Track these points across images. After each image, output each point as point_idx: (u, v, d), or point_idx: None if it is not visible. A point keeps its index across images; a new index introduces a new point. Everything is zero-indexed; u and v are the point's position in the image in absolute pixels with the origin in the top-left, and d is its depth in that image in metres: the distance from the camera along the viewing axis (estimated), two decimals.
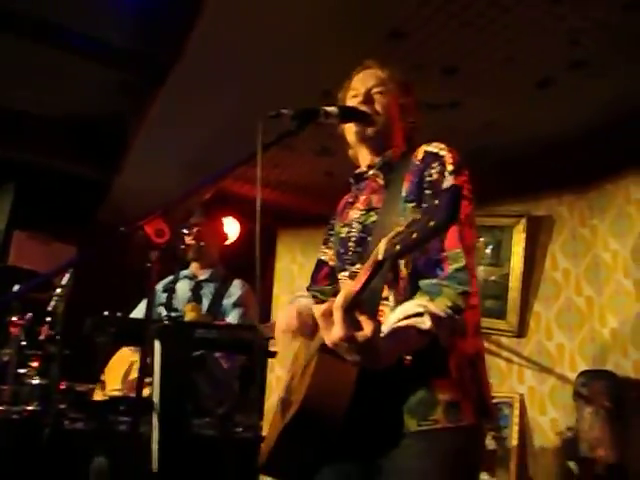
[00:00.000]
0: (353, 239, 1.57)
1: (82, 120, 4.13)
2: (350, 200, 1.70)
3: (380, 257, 1.13)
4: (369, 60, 1.69)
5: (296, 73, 2.85)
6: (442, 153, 1.47)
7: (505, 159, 3.42)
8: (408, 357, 1.35)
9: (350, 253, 1.56)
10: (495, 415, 1.50)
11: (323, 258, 1.80)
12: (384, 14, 2.42)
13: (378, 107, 1.60)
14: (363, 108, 1.59)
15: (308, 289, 1.80)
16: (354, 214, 1.61)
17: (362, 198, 1.62)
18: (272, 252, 4.73)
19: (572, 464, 3.22)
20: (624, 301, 3.27)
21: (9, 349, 2.62)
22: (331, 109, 1.55)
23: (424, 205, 1.39)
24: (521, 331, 3.62)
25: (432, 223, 1.06)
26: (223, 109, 3.21)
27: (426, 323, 1.26)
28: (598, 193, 3.51)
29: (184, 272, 3.08)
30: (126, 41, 3.13)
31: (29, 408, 2.42)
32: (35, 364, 2.61)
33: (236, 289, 3.00)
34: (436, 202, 1.08)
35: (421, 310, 1.28)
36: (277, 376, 4.41)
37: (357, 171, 1.68)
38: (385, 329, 1.28)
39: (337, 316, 1.15)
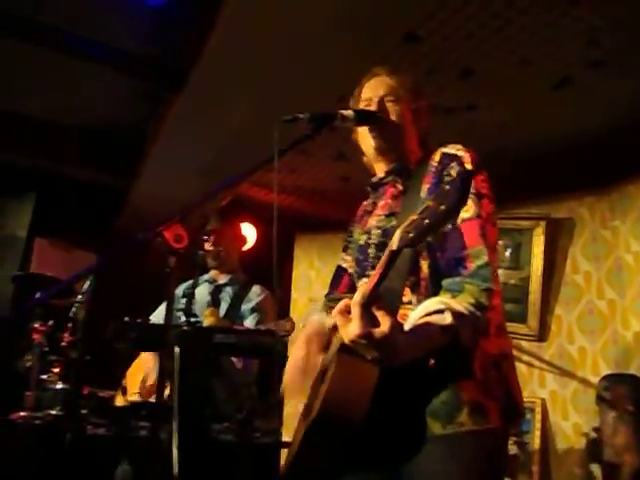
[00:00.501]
0: (373, 245, 1.55)
1: (100, 127, 4.18)
2: (368, 208, 1.69)
3: (395, 247, 1.14)
4: (378, 67, 1.69)
5: (312, 78, 2.86)
6: (460, 154, 1.47)
7: (523, 161, 3.39)
8: (432, 361, 1.33)
9: (370, 259, 1.55)
10: (524, 415, 1.47)
11: (343, 265, 1.78)
12: (400, 17, 2.42)
13: (392, 113, 1.59)
14: (378, 114, 1.59)
15: (327, 296, 1.79)
16: (373, 221, 1.60)
17: (381, 204, 1.61)
18: (289, 257, 4.73)
19: (596, 468, 3.18)
20: None
21: (32, 355, 2.65)
22: (347, 113, 1.55)
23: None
24: (542, 335, 3.59)
25: (443, 207, 1.07)
26: (240, 114, 3.22)
27: (447, 319, 1.24)
28: (619, 194, 3.46)
29: (204, 277, 3.10)
30: (143, 47, 3.16)
31: (52, 413, 2.44)
32: (57, 370, 2.64)
33: (255, 295, 3.01)
34: (447, 187, 1.09)
35: (442, 307, 1.27)
36: None
37: (374, 179, 1.67)
38: (406, 327, 1.27)
39: (355, 312, 1.15)
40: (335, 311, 1.20)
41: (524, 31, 2.44)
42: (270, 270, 1.43)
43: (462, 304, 1.27)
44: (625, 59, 2.59)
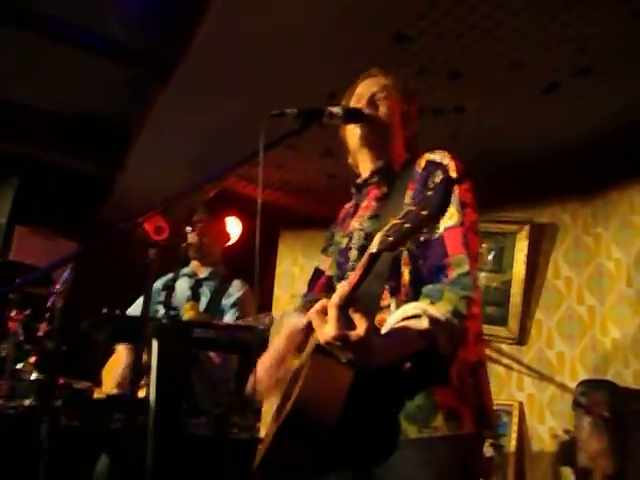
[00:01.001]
0: (354, 248, 1.54)
1: (86, 116, 4.13)
2: (351, 211, 1.68)
3: (374, 250, 1.13)
4: (373, 68, 1.69)
5: (301, 75, 2.85)
6: (445, 162, 1.47)
7: (509, 165, 3.41)
8: (407, 364, 1.32)
9: (351, 262, 1.54)
10: (495, 424, 1.48)
11: (321, 267, 1.78)
12: (391, 16, 2.41)
13: (381, 111, 1.59)
14: (367, 111, 1.58)
15: (305, 296, 1.78)
16: (355, 223, 1.59)
17: (364, 205, 1.60)
18: (274, 253, 4.72)
19: (569, 472, 3.21)
20: (626, 311, 3.25)
21: (7, 344, 2.61)
22: (336, 110, 1.54)
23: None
24: (522, 338, 3.61)
25: (424, 212, 1.08)
26: (228, 108, 3.20)
27: (423, 324, 1.25)
28: (602, 201, 3.49)
29: (184, 270, 3.07)
30: (132, 37, 3.12)
31: (25, 403, 2.41)
32: (32, 359, 2.60)
33: (235, 290, 2.98)
34: (429, 193, 1.10)
35: (419, 312, 1.27)
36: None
37: (358, 180, 1.66)
38: (383, 330, 1.27)
39: (331, 314, 1.15)
40: (312, 312, 1.20)
41: (514, 34, 2.45)
42: (253, 265, 1.41)
43: (440, 311, 1.27)
44: (611, 67, 2.61)
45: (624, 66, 2.58)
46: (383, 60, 2.61)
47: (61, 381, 2.54)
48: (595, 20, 2.35)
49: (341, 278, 1.58)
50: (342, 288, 1.17)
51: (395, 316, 1.30)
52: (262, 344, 2.43)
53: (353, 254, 1.54)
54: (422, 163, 1.51)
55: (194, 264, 3.09)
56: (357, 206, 1.64)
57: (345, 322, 1.14)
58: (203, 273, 3.05)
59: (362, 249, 1.50)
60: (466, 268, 1.33)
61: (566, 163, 3.32)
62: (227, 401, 2.51)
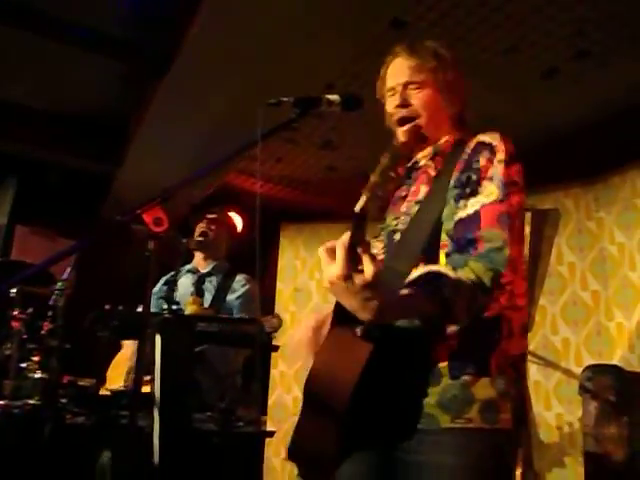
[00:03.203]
0: (399, 232, 1.49)
1: (84, 113, 4.10)
2: (402, 194, 1.60)
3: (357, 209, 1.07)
4: (399, 46, 1.59)
5: (298, 65, 2.83)
6: (495, 143, 1.39)
7: None
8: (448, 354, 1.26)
9: (397, 239, 1.49)
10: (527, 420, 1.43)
11: (373, 252, 1.69)
12: (387, 3, 2.39)
13: (417, 106, 1.51)
14: (404, 112, 1.51)
15: None
16: (404, 207, 1.53)
17: (412, 190, 1.53)
18: (275, 247, 4.70)
19: (578, 458, 3.20)
20: (630, 295, 3.24)
21: (10, 343, 2.60)
22: (333, 97, 1.50)
23: (467, 190, 1.34)
24: None
25: None
26: (225, 100, 3.18)
27: (441, 284, 1.17)
28: (604, 185, 3.47)
29: (187, 267, 3.05)
30: (126, 32, 3.10)
31: (30, 402, 2.40)
32: (36, 358, 2.59)
33: (239, 284, 2.97)
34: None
35: (435, 271, 1.20)
36: (281, 371, 4.39)
37: (409, 164, 1.59)
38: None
39: (339, 253, 1.07)
40: (321, 249, 1.11)
41: (511, 19, 2.43)
42: (254, 259, 1.40)
43: (458, 274, 1.19)
44: (611, 50, 2.58)
45: (624, 48, 2.55)
46: (379, 48, 2.58)
47: (66, 379, 2.53)
48: (593, 2, 2.32)
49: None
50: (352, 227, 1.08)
51: (410, 277, 1.22)
52: (266, 339, 2.43)
53: (397, 237, 1.49)
54: (472, 144, 1.43)
55: (197, 259, 3.07)
56: (408, 190, 1.57)
57: (353, 264, 1.06)
58: (206, 268, 3.03)
59: (404, 233, 1.45)
60: (499, 244, 1.23)
61: (567, 148, 3.30)
62: (232, 395, 2.50)
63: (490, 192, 1.31)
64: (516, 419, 1.30)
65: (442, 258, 1.33)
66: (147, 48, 3.15)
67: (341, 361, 1.17)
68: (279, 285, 4.65)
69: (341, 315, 1.19)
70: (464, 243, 1.27)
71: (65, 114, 4.14)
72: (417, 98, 1.52)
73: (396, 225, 1.52)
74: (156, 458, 1.98)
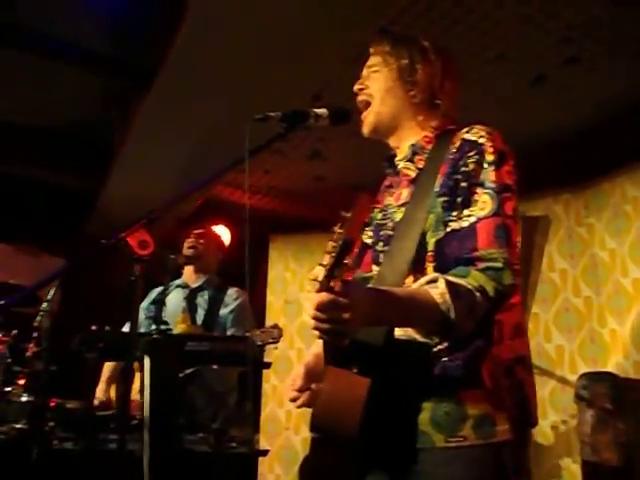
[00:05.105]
0: (383, 238, 1.44)
1: (67, 129, 4.05)
2: (387, 184, 1.54)
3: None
4: (380, 31, 1.56)
5: (284, 76, 2.80)
6: (481, 141, 1.31)
7: None
8: (436, 369, 1.23)
9: (379, 246, 1.45)
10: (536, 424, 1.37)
11: (367, 241, 1.58)
12: (374, 12, 2.37)
13: (372, 89, 1.45)
14: (361, 97, 1.47)
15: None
16: (390, 202, 1.47)
17: (397, 193, 1.46)
18: (265, 259, 4.66)
19: (575, 466, 3.18)
20: (623, 301, 3.23)
21: None
22: (321, 111, 1.47)
23: (458, 199, 1.27)
24: None
25: None
26: (211, 114, 3.15)
27: (439, 287, 1.15)
28: (594, 191, 3.47)
29: (176, 282, 3.01)
30: (109, 47, 3.06)
31: (17, 427, 2.33)
32: (22, 382, 2.52)
33: (231, 298, 2.94)
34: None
35: (436, 276, 1.17)
36: (273, 385, 4.34)
37: (389, 155, 1.51)
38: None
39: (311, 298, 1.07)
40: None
41: (499, 26, 2.41)
42: (244, 272, 1.36)
43: (461, 281, 1.16)
44: (599, 56, 2.58)
45: (613, 54, 2.55)
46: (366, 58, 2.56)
47: (53, 402, 2.47)
48: (580, 9, 2.32)
49: (377, 251, 1.48)
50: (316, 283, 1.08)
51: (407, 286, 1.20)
52: (258, 356, 2.38)
53: (381, 244, 1.44)
54: (457, 142, 1.35)
55: (187, 274, 3.03)
56: (392, 183, 1.51)
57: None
58: (197, 282, 3.00)
59: (388, 240, 1.40)
60: (499, 264, 1.18)
61: (556, 155, 3.29)
62: (224, 414, 2.45)
63: (484, 203, 1.25)
64: (519, 425, 1.25)
65: (429, 270, 1.28)
66: (130, 63, 3.11)
67: (342, 400, 1.17)
68: (269, 297, 4.60)
69: (331, 350, 1.20)
70: (463, 263, 1.22)
71: (48, 130, 4.08)
72: (372, 79, 1.47)
73: (383, 219, 1.46)
74: None
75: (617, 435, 2.95)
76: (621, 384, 3.05)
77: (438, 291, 1.15)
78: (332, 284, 1.05)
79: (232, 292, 2.96)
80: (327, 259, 1.07)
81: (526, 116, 3.07)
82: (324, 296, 1.05)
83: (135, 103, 3.31)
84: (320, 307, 1.05)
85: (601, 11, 2.34)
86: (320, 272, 1.07)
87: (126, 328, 2.82)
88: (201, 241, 3.02)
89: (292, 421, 4.20)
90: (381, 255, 1.43)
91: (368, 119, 1.47)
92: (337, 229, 1.11)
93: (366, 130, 1.49)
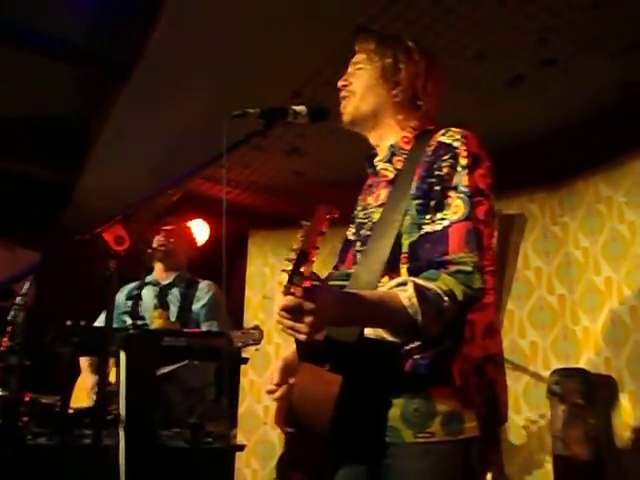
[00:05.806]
0: (362, 237, 1.47)
1: (42, 120, 3.98)
2: (369, 183, 1.56)
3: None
4: (359, 29, 1.56)
5: (264, 71, 2.79)
6: (456, 144, 1.33)
7: None
8: (406, 367, 1.25)
9: (358, 246, 1.48)
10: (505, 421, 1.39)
11: (351, 238, 1.61)
12: (353, 9, 2.37)
13: (355, 85, 1.47)
14: (343, 92, 1.49)
15: (335, 268, 1.63)
16: (370, 201, 1.49)
17: (376, 193, 1.48)
18: (244, 254, 4.65)
19: (546, 461, 3.23)
20: (596, 299, 3.29)
21: None
22: (300, 108, 1.47)
23: (432, 203, 1.30)
24: None
25: None
26: (189, 107, 3.13)
27: (408, 291, 1.16)
28: (568, 191, 3.53)
29: (148, 278, 2.99)
30: (86, 39, 3.02)
31: None
32: None
33: (203, 292, 2.94)
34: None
35: (405, 280, 1.19)
36: (251, 380, 4.34)
37: (369, 154, 1.53)
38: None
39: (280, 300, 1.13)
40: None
41: (478, 27, 2.43)
42: (222, 267, 1.36)
43: (430, 284, 1.18)
44: (576, 58, 2.62)
45: (588, 56, 2.59)
46: (345, 55, 2.57)
47: (27, 397, 2.44)
48: (558, 12, 2.35)
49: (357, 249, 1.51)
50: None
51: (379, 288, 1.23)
52: (235, 352, 2.38)
53: (359, 244, 1.48)
54: (433, 144, 1.36)
55: (157, 271, 3.02)
56: (372, 183, 1.53)
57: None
58: (167, 279, 2.99)
59: (366, 239, 1.43)
60: (469, 268, 1.21)
61: (532, 154, 3.33)
62: (202, 409, 2.45)
63: (457, 207, 1.28)
64: (488, 423, 1.28)
65: (403, 272, 1.31)
66: (107, 55, 3.07)
67: (314, 396, 1.21)
68: (248, 293, 4.59)
69: (304, 348, 1.25)
70: (435, 266, 1.24)
71: (24, 122, 4.01)
72: (356, 76, 1.49)
73: (364, 218, 1.49)
74: (122, 477, 1.92)
75: (588, 430, 3.01)
76: (592, 380, 3.12)
77: (406, 294, 1.18)
78: (292, 290, 1.11)
79: (203, 286, 2.96)
80: (288, 266, 1.13)
81: (503, 115, 3.10)
82: (289, 299, 1.10)
83: (112, 96, 3.28)
84: (284, 309, 1.11)
85: (579, 14, 2.37)
86: (284, 277, 1.13)
87: (97, 323, 2.81)
88: (171, 239, 3.00)
89: (270, 416, 4.21)
90: (358, 255, 1.46)
91: (347, 109, 1.49)
92: (299, 236, 1.15)
93: (345, 119, 1.50)
